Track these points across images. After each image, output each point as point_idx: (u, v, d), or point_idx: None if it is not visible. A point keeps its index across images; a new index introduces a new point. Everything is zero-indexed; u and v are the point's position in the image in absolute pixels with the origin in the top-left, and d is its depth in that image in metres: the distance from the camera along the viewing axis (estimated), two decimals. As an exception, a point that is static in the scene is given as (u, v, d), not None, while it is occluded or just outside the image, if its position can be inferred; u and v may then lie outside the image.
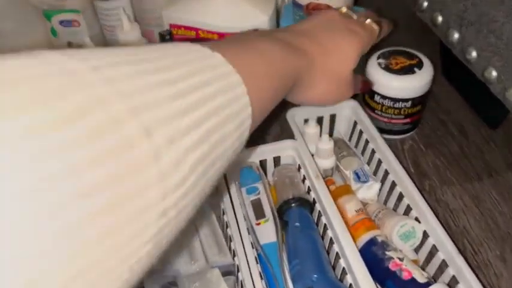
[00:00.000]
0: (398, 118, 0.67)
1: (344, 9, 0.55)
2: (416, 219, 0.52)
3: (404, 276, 0.46)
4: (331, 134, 0.69)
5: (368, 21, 0.54)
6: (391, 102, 0.65)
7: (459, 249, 0.47)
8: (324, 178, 0.63)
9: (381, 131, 0.62)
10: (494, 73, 0.60)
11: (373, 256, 0.48)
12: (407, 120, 0.68)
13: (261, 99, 0.35)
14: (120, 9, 0.67)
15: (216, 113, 0.27)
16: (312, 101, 0.51)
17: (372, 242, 0.50)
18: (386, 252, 0.48)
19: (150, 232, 0.21)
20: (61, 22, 0.73)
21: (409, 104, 0.65)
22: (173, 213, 0.22)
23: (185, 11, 0.68)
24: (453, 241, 0.48)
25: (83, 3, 0.72)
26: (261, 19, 0.67)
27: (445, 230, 0.48)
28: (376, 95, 0.66)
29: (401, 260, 0.47)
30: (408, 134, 0.71)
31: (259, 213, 0.53)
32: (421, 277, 0.45)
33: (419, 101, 0.66)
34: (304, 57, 0.44)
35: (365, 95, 0.69)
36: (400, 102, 0.65)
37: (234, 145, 0.30)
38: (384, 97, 0.65)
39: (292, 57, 0.42)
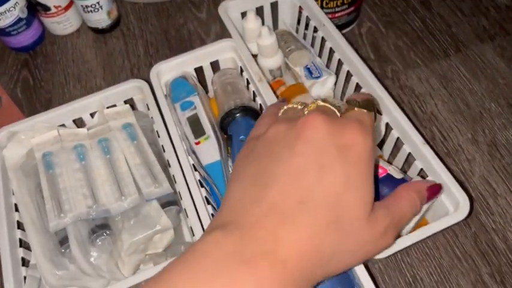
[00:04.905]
0: (342, 10, 0.58)
1: (318, 102, 0.30)
2: (378, 111, 0.45)
3: (379, 173, 0.40)
4: (275, 27, 0.60)
5: (356, 110, 0.30)
6: None
7: (426, 139, 0.41)
8: (273, 79, 0.56)
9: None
10: None
11: None
12: (352, 8, 0.58)
13: None
14: None
15: None
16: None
17: None
18: None
19: None
20: None
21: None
22: None
23: None
24: (419, 131, 0.42)
25: None
26: None
27: (410, 119, 0.42)
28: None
29: None
30: (354, 24, 0.62)
31: (197, 130, 0.45)
32: (396, 173, 0.40)
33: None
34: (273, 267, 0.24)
35: None
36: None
37: None
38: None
39: None
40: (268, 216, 0.25)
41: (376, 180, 0.39)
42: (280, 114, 0.32)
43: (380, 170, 0.41)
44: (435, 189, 0.35)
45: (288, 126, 0.28)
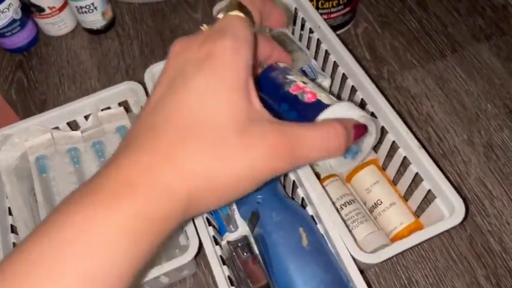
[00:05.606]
0: (338, 10, 0.58)
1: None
2: (373, 114, 0.45)
3: (308, 98, 0.36)
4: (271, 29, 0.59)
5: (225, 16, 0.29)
6: None
7: (421, 141, 0.40)
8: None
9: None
10: None
11: (273, 81, 0.37)
12: (348, 9, 0.58)
13: None
14: None
15: None
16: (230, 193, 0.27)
17: (270, 68, 0.38)
18: (288, 76, 0.37)
19: None
20: None
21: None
22: None
23: None
24: (415, 133, 0.41)
25: None
26: None
27: (405, 121, 0.42)
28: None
29: (305, 83, 0.37)
30: (350, 24, 0.62)
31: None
32: (328, 99, 0.36)
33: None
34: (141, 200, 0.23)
35: None
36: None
37: None
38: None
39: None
40: (144, 154, 0.25)
41: (303, 105, 0.36)
42: None
43: (309, 95, 0.36)
44: (361, 129, 0.32)
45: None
